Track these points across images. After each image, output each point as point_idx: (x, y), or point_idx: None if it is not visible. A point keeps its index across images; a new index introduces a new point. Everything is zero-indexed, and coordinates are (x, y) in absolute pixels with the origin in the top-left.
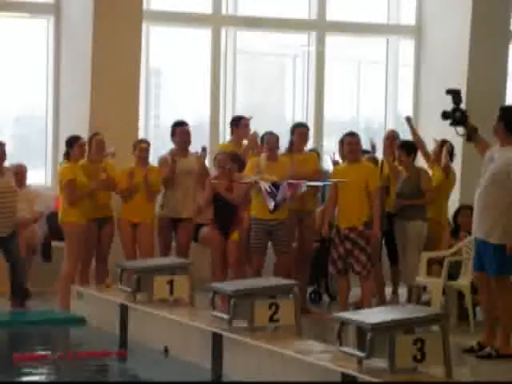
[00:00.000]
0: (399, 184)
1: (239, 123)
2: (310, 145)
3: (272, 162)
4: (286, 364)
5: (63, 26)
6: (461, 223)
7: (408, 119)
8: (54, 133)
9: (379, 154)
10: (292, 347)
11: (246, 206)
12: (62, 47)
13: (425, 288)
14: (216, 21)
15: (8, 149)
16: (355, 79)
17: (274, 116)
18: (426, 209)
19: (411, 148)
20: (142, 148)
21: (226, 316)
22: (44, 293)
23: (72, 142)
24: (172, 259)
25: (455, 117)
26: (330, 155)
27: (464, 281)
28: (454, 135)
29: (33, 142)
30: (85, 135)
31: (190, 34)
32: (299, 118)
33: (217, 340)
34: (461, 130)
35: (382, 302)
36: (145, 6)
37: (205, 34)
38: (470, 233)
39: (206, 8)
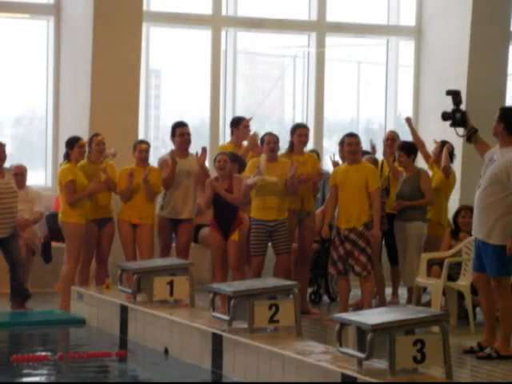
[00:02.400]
0: (399, 185)
1: (239, 124)
2: (309, 146)
3: (272, 163)
4: (285, 365)
5: (63, 27)
6: (461, 224)
7: (408, 120)
8: (54, 134)
9: (379, 155)
10: (292, 348)
11: (246, 207)
12: (62, 48)
13: (425, 289)
14: (216, 22)
15: (8, 149)
16: (355, 80)
17: (274, 117)
18: (426, 210)
19: (411, 149)
20: (141, 149)
21: (226, 317)
22: (44, 293)
23: (72, 142)
24: (172, 260)
25: (455, 118)
26: (330, 156)
27: (464, 282)
28: (454, 136)
29: (33, 143)
30: (85, 136)
31: (190, 34)
32: (299, 119)
33: (217, 341)
34: (461, 130)
35: (382, 302)
36: (145, 7)
37: (205, 35)
38: (470, 233)
39: (206, 9)
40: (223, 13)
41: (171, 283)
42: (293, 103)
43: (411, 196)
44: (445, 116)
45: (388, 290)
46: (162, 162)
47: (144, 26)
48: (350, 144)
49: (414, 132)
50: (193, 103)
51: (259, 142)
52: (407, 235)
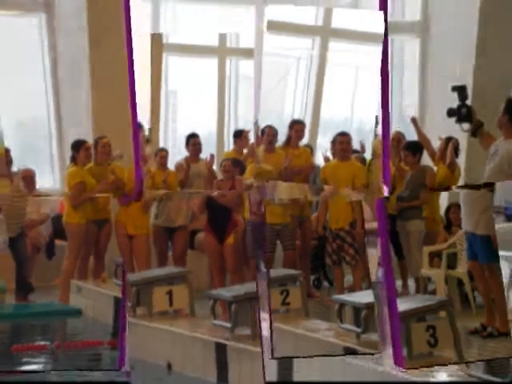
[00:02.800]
0: (404, 184)
1: (241, 135)
2: (305, 140)
3: (269, 154)
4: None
5: (56, 24)
6: (452, 219)
7: (413, 120)
8: (58, 135)
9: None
10: (302, 326)
11: (240, 208)
12: (58, 46)
13: (429, 278)
14: (222, 52)
15: (13, 153)
16: (354, 79)
17: (274, 112)
18: (422, 208)
19: (417, 148)
20: (161, 155)
21: (227, 324)
22: (47, 287)
23: (77, 145)
24: (170, 269)
25: (461, 113)
26: (322, 152)
27: (461, 269)
28: (460, 132)
29: (37, 147)
30: (89, 138)
31: (200, 63)
32: (297, 116)
33: (220, 350)
34: (466, 125)
35: (369, 285)
36: (165, 40)
37: (213, 63)
38: (461, 227)
39: (213, 41)
40: (228, 44)
41: (170, 293)
42: (293, 101)
43: (413, 193)
44: (450, 112)
45: (398, 282)
46: (178, 166)
47: (164, 55)
48: (342, 142)
49: (419, 132)
50: (203, 118)
51: (260, 133)
52: (408, 233)
